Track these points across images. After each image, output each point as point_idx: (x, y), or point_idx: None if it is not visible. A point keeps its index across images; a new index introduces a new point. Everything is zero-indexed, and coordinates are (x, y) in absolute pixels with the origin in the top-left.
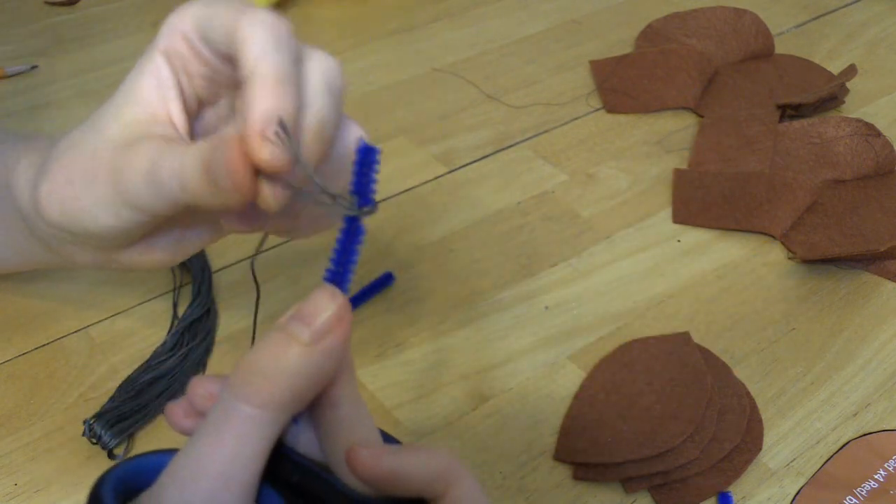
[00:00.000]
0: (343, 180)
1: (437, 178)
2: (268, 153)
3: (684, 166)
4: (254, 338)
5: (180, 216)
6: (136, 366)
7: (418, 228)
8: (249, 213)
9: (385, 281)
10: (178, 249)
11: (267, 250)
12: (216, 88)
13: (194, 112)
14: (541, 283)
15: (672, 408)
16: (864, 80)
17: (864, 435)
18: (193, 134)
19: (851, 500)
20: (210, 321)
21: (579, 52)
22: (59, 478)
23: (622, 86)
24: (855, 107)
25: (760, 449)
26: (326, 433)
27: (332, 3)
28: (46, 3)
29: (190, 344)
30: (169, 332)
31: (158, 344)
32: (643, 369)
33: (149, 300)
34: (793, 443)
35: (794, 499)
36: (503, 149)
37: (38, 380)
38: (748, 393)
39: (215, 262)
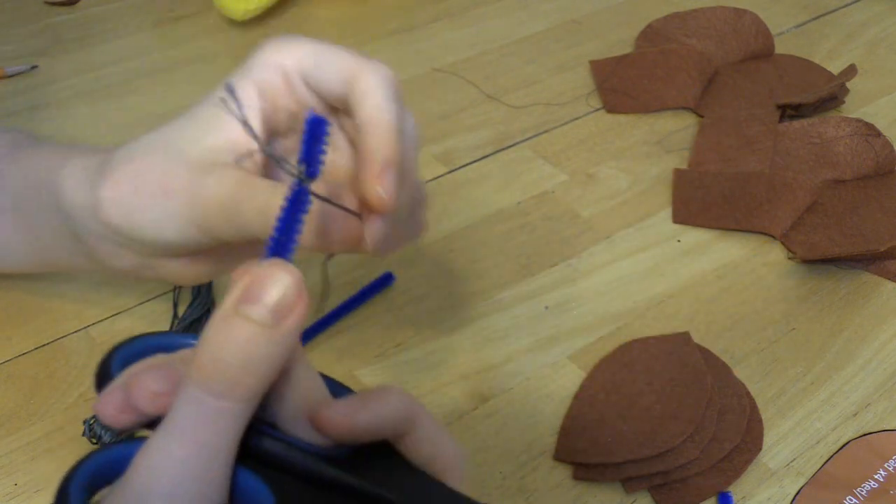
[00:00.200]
0: (415, 210)
1: (437, 178)
2: (385, 196)
3: (684, 166)
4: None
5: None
6: None
7: None
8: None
9: (385, 281)
10: (222, 266)
11: None
12: (295, 124)
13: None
14: (541, 283)
15: (672, 408)
16: (864, 80)
17: (864, 435)
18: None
19: (851, 500)
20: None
21: (579, 52)
22: (59, 478)
23: (622, 86)
24: (855, 107)
25: (760, 449)
26: (277, 395)
27: (332, 3)
28: (46, 3)
29: None
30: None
31: None
32: (643, 369)
33: (149, 300)
34: (793, 443)
35: (794, 499)
36: (503, 149)
37: (38, 380)
38: (748, 393)
39: None
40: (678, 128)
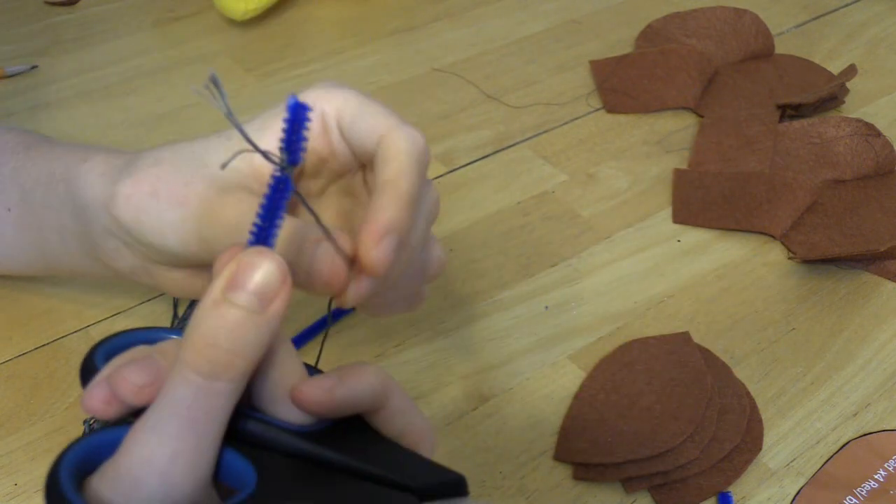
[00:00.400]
0: (415, 282)
1: (437, 177)
2: (379, 261)
3: (684, 166)
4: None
5: None
6: None
7: None
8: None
9: None
10: None
11: None
12: (320, 168)
13: None
14: (541, 283)
15: (672, 408)
16: (864, 80)
17: (864, 435)
18: None
19: (851, 500)
20: None
21: (579, 52)
22: None
23: (622, 86)
24: (855, 107)
25: (760, 449)
26: (261, 376)
27: (332, 3)
28: (46, 3)
29: None
30: None
31: None
32: (643, 369)
33: (149, 300)
34: (793, 443)
35: (794, 499)
36: (503, 149)
37: (38, 380)
38: (748, 393)
39: None
40: (678, 128)
